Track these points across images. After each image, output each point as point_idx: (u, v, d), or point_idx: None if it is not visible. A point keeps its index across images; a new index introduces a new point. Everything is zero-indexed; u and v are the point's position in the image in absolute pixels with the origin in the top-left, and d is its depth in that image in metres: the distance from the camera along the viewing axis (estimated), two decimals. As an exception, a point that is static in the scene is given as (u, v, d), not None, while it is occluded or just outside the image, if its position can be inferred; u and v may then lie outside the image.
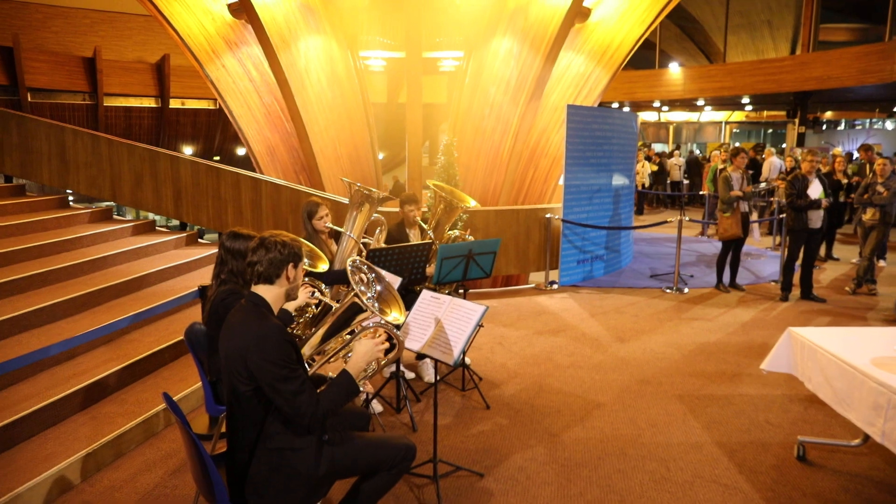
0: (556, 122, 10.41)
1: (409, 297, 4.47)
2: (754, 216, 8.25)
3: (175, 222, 8.91)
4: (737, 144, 23.31)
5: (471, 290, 7.93)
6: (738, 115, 27.56)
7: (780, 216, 9.21)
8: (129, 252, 6.79)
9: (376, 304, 2.93)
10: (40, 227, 6.95)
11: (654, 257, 10.16)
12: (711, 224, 11.90)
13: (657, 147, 25.21)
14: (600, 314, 6.93)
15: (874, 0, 20.29)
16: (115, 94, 17.60)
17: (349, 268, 2.98)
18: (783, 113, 23.20)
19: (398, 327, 2.97)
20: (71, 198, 8.36)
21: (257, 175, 8.36)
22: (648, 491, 3.47)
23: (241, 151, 21.22)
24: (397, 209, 5.31)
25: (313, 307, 3.51)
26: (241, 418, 2.51)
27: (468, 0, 10.48)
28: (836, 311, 7.00)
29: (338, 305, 3.12)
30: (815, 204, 6.97)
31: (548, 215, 8.23)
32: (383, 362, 2.90)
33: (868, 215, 7.72)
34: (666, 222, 8.93)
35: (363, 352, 2.63)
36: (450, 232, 5.45)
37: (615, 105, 22.78)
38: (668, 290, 7.92)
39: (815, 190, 6.99)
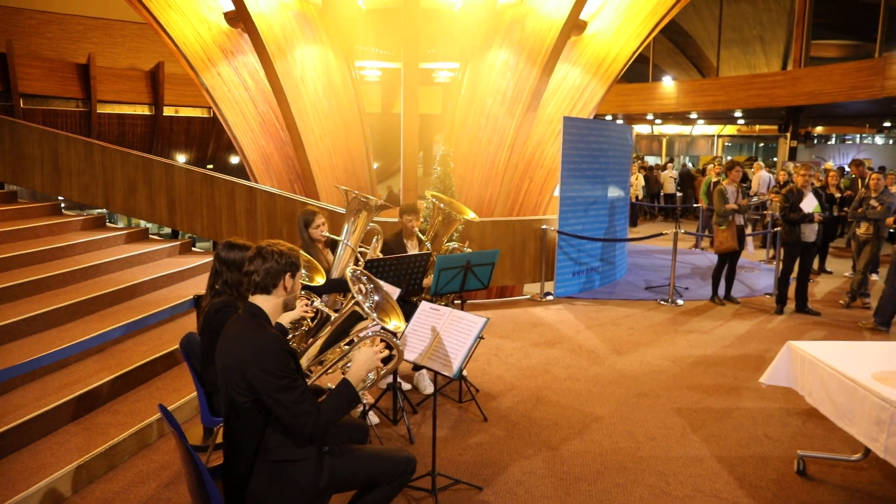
0: (551, 133, 10.44)
1: (405, 309, 4.43)
2: (749, 229, 8.27)
3: (166, 230, 8.84)
4: (728, 158, 23.48)
5: (467, 302, 7.89)
6: (730, 129, 27.79)
7: (774, 229, 9.26)
8: (122, 260, 6.72)
9: (375, 314, 2.90)
10: (32, 234, 6.87)
11: (648, 269, 10.17)
12: (705, 237, 11.94)
13: (650, 160, 25.34)
14: (596, 326, 6.92)
15: (864, 17, 20.56)
16: (109, 101, 17.52)
17: (349, 276, 2.95)
18: (775, 127, 23.42)
19: (396, 335, 2.94)
20: (62, 205, 8.28)
21: (252, 184, 8.32)
22: (649, 505, 3.44)
23: (234, 160, 21.16)
24: (394, 219, 5.28)
25: (309, 320, 3.46)
26: (239, 430, 2.47)
27: (465, 12, 10.52)
28: (830, 324, 7.01)
29: (336, 315, 3.08)
30: (808, 217, 6.99)
31: (543, 227, 8.23)
32: (383, 372, 2.86)
33: (862, 229, 7.77)
34: (661, 234, 8.95)
35: (363, 360, 2.59)
36: (448, 244, 5.43)
37: (609, 117, 22.91)
38: (663, 303, 7.92)
39: (810, 204, 7.02)
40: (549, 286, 8.24)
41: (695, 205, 15.18)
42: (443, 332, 3.31)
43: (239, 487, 2.48)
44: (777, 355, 3.86)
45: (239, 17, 9.22)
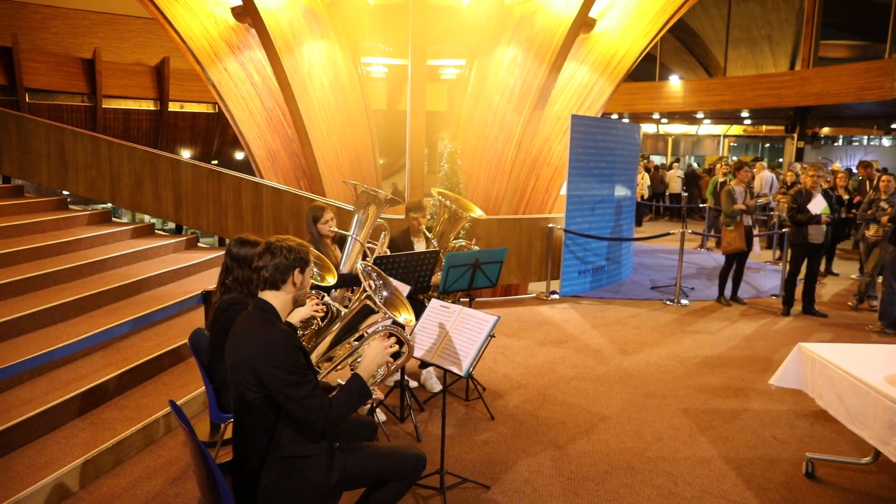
0: (558, 131, 10.41)
1: (413, 307, 4.41)
2: (755, 230, 8.22)
3: (171, 225, 8.84)
4: (734, 158, 23.41)
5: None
6: (736, 129, 27.66)
7: (781, 230, 9.21)
8: (129, 255, 6.72)
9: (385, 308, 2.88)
10: (39, 228, 6.88)
11: (654, 269, 10.13)
12: (711, 237, 11.90)
13: (655, 159, 25.27)
14: (602, 325, 6.89)
15: (874, 18, 20.44)
16: (114, 97, 17.53)
17: (360, 270, 2.94)
18: (781, 127, 23.30)
19: (405, 329, 2.92)
20: (68, 199, 8.29)
21: (259, 180, 8.31)
22: (657, 506, 3.43)
23: (239, 156, 21.16)
24: (399, 216, 5.26)
25: (318, 319, 3.44)
26: (249, 426, 2.46)
27: (473, 8, 10.49)
28: (838, 326, 6.98)
29: (347, 310, 3.07)
30: (815, 219, 6.95)
31: (550, 225, 8.20)
32: (393, 367, 2.84)
33: (871, 231, 7.72)
34: (668, 234, 8.91)
35: (373, 355, 2.58)
36: (455, 241, 5.40)
37: (615, 116, 22.84)
38: (669, 303, 7.89)
39: (818, 205, 6.98)
40: (554, 285, 8.21)
41: (701, 204, 15.14)
42: (453, 330, 3.29)
43: (249, 484, 2.47)
44: (787, 357, 3.84)
45: (246, 13, 9.21)
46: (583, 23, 9.36)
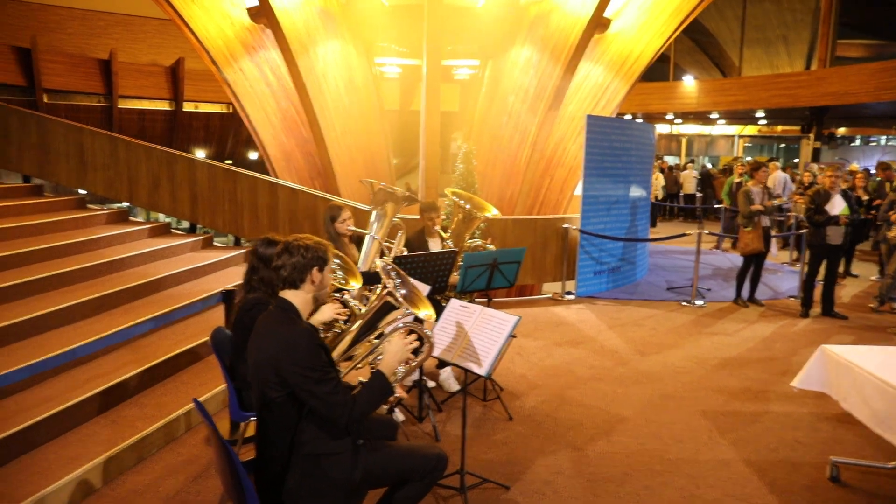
0: (573, 131, 10.38)
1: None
2: (773, 231, 8.15)
3: (185, 224, 8.89)
4: (748, 159, 23.21)
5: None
6: (750, 129, 27.45)
7: (799, 231, 9.13)
8: (146, 254, 6.76)
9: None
10: (58, 227, 6.93)
11: (669, 270, 10.07)
12: (727, 237, 11.80)
13: (669, 160, 25.14)
14: (618, 326, 6.86)
15: (891, 17, 20.22)
16: (130, 97, 17.66)
17: (381, 267, 2.94)
18: (797, 128, 23.09)
19: (423, 324, 2.91)
20: (86, 199, 8.35)
21: (274, 179, 8.33)
22: (679, 509, 3.40)
23: (252, 155, 21.24)
24: (414, 216, 5.25)
25: (341, 322, 3.43)
26: (272, 425, 2.46)
27: (488, 9, 10.48)
28: (859, 328, 6.90)
29: (367, 308, 3.06)
30: (833, 220, 6.87)
31: (565, 225, 8.17)
32: (413, 363, 2.83)
33: (893, 233, 7.62)
34: (685, 235, 8.85)
35: (394, 351, 2.58)
36: (470, 241, 5.39)
37: (629, 116, 22.75)
38: (685, 304, 7.83)
39: (837, 206, 6.90)
40: (569, 285, 8.18)
41: (716, 205, 15.03)
42: (473, 330, 3.28)
43: (272, 482, 2.47)
44: (809, 359, 3.79)
45: (262, 13, 9.25)
46: (598, 23, 9.33)
